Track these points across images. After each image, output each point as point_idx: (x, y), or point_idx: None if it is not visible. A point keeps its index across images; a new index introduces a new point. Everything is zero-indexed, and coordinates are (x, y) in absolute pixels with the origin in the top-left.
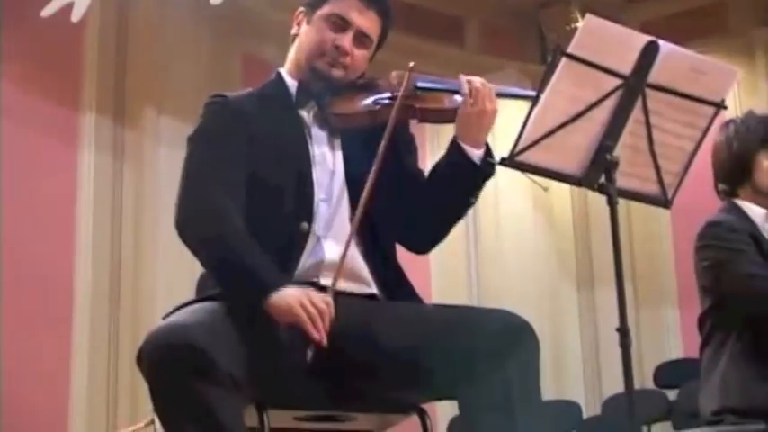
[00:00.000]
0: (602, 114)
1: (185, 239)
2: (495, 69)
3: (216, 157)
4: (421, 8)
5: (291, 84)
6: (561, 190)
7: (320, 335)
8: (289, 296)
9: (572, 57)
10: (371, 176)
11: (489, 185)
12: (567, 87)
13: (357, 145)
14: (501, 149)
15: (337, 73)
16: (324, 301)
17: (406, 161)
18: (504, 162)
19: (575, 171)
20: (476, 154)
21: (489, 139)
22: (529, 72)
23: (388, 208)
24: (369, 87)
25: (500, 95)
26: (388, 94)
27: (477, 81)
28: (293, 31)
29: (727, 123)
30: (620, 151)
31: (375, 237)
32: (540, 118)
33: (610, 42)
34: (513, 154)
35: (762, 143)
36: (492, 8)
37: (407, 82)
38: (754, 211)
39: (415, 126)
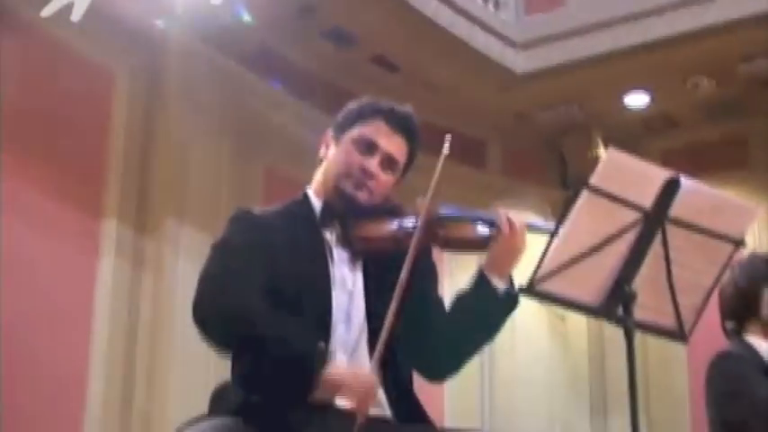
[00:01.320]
0: (622, 247)
1: (211, 336)
2: (515, 193)
3: (239, 263)
4: (443, 129)
5: (317, 203)
6: (578, 318)
7: (363, 413)
8: (338, 373)
9: (594, 189)
10: (393, 303)
11: None
12: (588, 219)
13: (379, 268)
14: (520, 278)
15: (362, 195)
16: (370, 380)
17: (426, 288)
18: (522, 291)
19: (592, 302)
20: (501, 286)
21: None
22: (549, 196)
23: (406, 335)
24: (394, 212)
25: (528, 228)
26: (413, 220)
27: (515, 217)
28: (321, 152)
29: (732, 266)
30: (638, 284)
31: (392, 362)
32: (560, 248)
33: (631, 176)
34: (531, 283)
35: (767, 279)
36: (514, 132)
37: (431, 207)
38: (763, 347)
39: (434, 252)
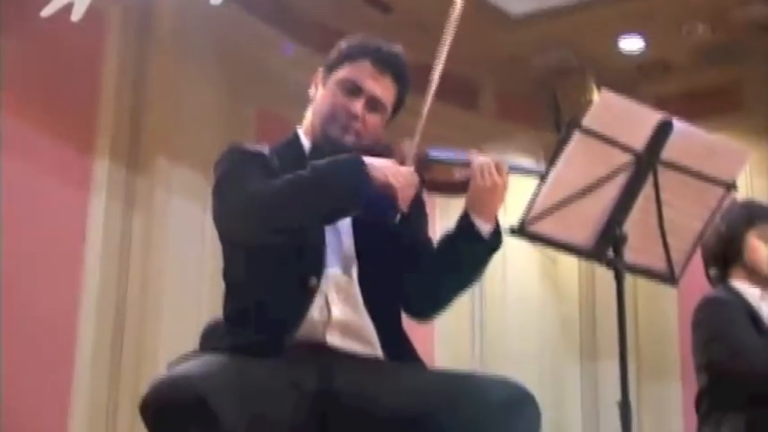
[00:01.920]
0: (613, 189)
1: (247, 231)
2: (508, 135)
3: (248, 164)
4: None
5: (306, 143)
6: (569, 261)
7: (406, 204)
8: (382, 165)
9: (586, 130)
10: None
11: (498, 255)
12: (580, 160)
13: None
14: (511, 219)
15: (349, 138)
16: (411, 173)
17: (416, 228)
18: (513, 232)
19: (583, 244)
20: (485, 228)
21: (500, 210)
22: (542, 139)
23: (395, 273)
24: (382, 155)
25: (513, 170)
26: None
27: (490, 156)
28: (311, 92)
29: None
30: (629, 226)
31: (382, 300)
32: (551, 189)
33: (624, 118)
34: (522, 224)
35: (748, 223)
36: (508, 75)
37: (419, 149)
38: (748, 291)
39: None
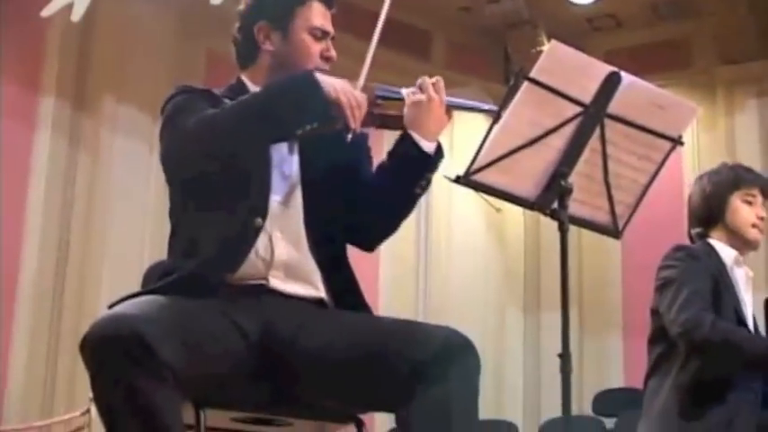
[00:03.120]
0: (560, 141)
1: (196, 153)
2: (459, 85)
3: (194, 105)
4: (388, 18)
5: (255, 90)
6: (514, 213)
7: (357, 123)
8: (335, 81)
9: (534, 81)
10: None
11: (443, 202)
12: (527, 111)
13: (315, 150)
14: (457, 168)
15: None
16: (362, 95)
17: (362, 168)
18: (458, 180)
19: (528, 194)
20: (425, 144)
21: (447, 160)
22: (492, 91)
23: (341, 211)
24: None
25: (459, 107)
26: None
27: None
28: (261, 44)
29: (701, 176)
30: (574, 179)
31: (328, 235)
32: (498, 139)
33: (572, 70)
34: (468, 172)
35: (733, 185)
36: (460, 25)
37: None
38: (725, 251)
39: (373, 137)
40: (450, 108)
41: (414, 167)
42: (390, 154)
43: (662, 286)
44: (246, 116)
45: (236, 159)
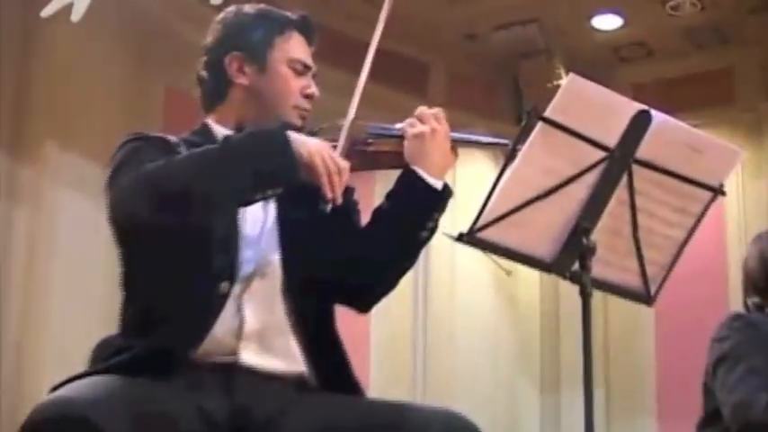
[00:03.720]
0: (581, 191)
1: (146, 219)
2: (460, 125)
3: (146, 155)
4: (379, 49)
5: (222, 134)
6: (528, 275)
7: (335, 193)
8: (310, 142)
9: (550, 121)
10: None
11: (445, 265)
12: (542, 157)
13: (296, 197)
14: (460, 224)
15: (301, 123)
16: (343, 162)
17: (350, 220)
18: (461, 238)
19: (544, 255)
20: (430, 180)
21: (449, 215)
22: (500, 132)
23: (327, 268)
24: (315, 135)
25: (466, 142)
26: (339, 141)
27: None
28: (233, 77)
29: (759, 236)
30: (598, 235)
31: (309, 303)
32: (508, 190)
33: (594, 108)
34: (473, 229)
35: None
36: (463, 55)
37: (354, 129)
38: None
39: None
40: (455, 144)
41: (419, 206)
42: (390, 194)
43: (717, 361)
44: (198, 174)
45: (188, 219)
